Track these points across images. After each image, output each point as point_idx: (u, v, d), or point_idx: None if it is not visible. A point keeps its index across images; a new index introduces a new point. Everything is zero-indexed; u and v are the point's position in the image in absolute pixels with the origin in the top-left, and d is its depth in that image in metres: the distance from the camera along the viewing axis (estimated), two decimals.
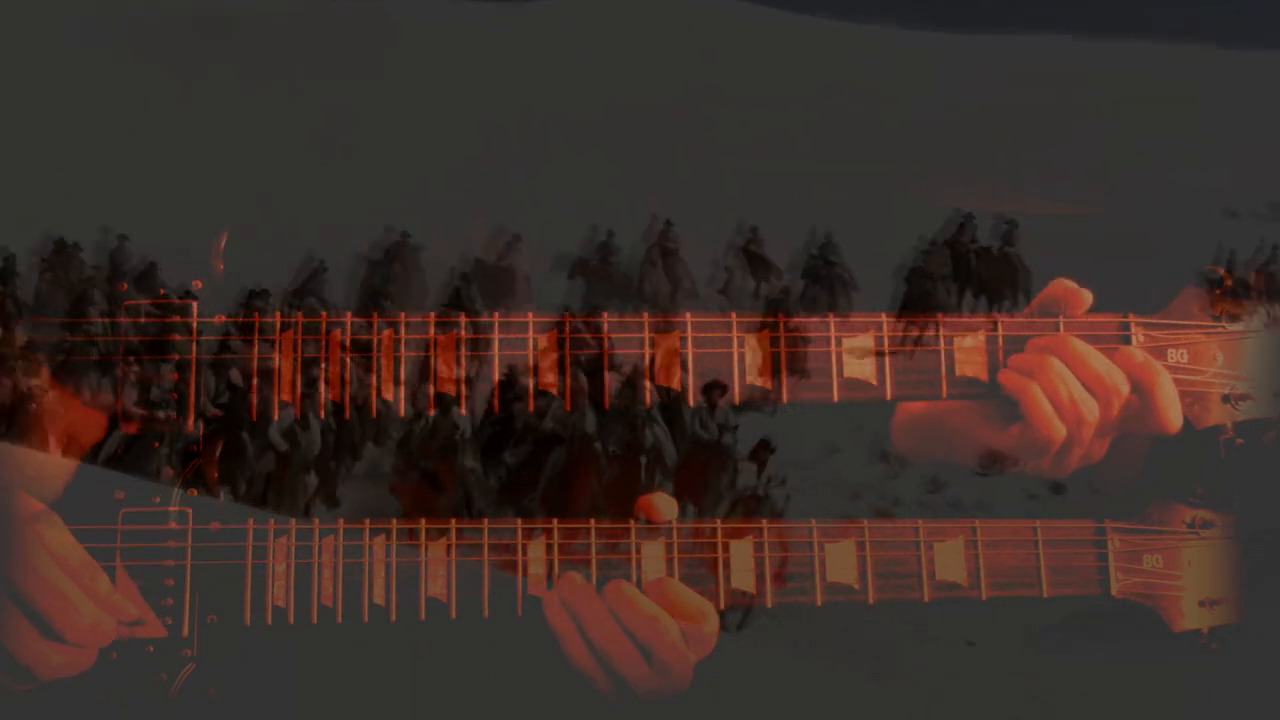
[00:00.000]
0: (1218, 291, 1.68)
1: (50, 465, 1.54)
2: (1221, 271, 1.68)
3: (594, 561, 1.57)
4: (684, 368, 1.60)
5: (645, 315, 1.61)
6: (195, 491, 1.55)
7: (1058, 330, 1.63)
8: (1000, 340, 1.63)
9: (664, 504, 1.59)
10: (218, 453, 1.56)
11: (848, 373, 1.61)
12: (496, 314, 1.60)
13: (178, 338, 1.56)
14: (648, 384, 1.59)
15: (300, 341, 1.56)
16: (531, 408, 1.59)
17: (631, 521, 1.58)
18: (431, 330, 1.58)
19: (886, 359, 1.62)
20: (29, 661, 1.48)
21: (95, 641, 1.50)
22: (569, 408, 1.59)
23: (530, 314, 1.60)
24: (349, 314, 1.59)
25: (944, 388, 1.62)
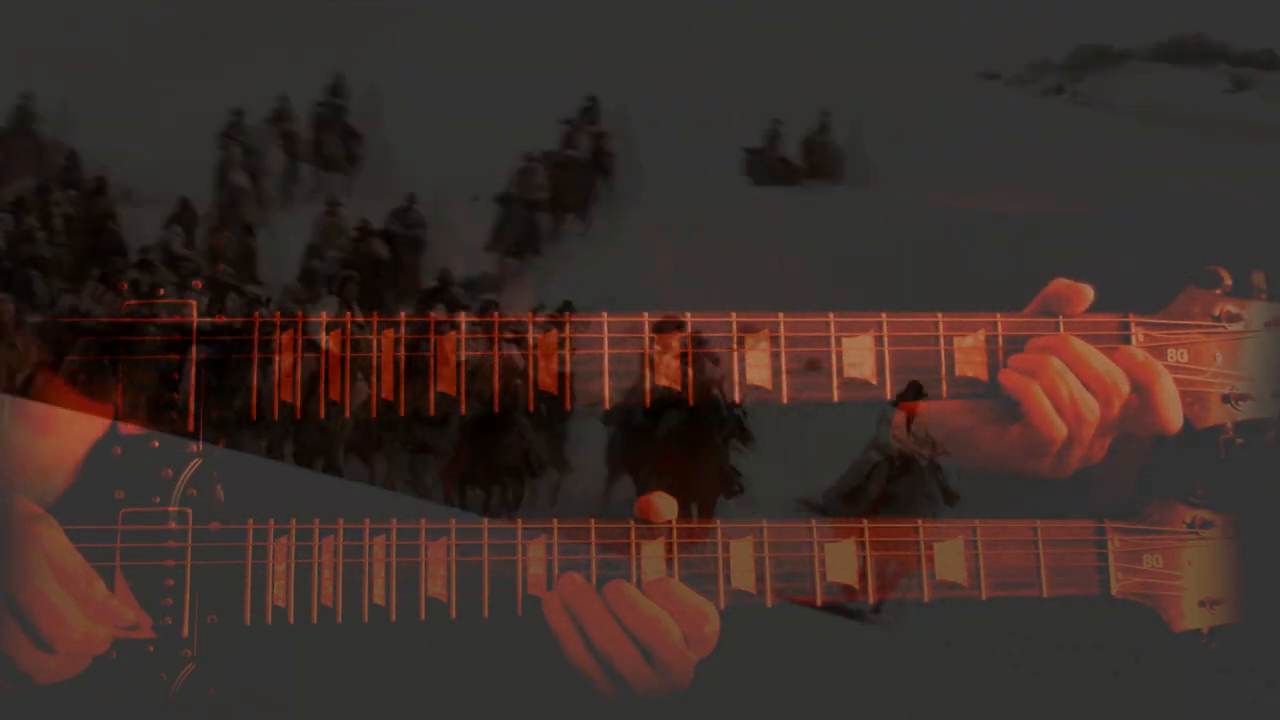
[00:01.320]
0: (1218, 291, 1.68)
1: (51, 458, 1.54)
2: (1222, 271, 1.68)
3: (594, 561, 1.57)
4: (684, 367, 1.60)
5: (645, 316, 1.61)
6: (195, 492, 1.55)
7: (1058, 330, 1.63)
8: (1000, 340, 1.64)
9: (663, 504, 1.59)
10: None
11: (848, 373, 1.61)
12: (496, 314, 1.60)
13: (178, 337, 1.56)
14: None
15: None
16: (531, 408, 1.58)
17: (631, 522, 1.58)
18: (430, 330, 1.58)
19: (887, 357, 1.62)
20: (25, 668, 1.48)
21: (87, 651, 1.51)
22: (568, 408, 1.58)
23: (530, 314, 1.60)
24: (349, 314, 1.59)
25: (944, 388, 1.63)
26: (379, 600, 1.54)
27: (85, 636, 1.50)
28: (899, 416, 1.71)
